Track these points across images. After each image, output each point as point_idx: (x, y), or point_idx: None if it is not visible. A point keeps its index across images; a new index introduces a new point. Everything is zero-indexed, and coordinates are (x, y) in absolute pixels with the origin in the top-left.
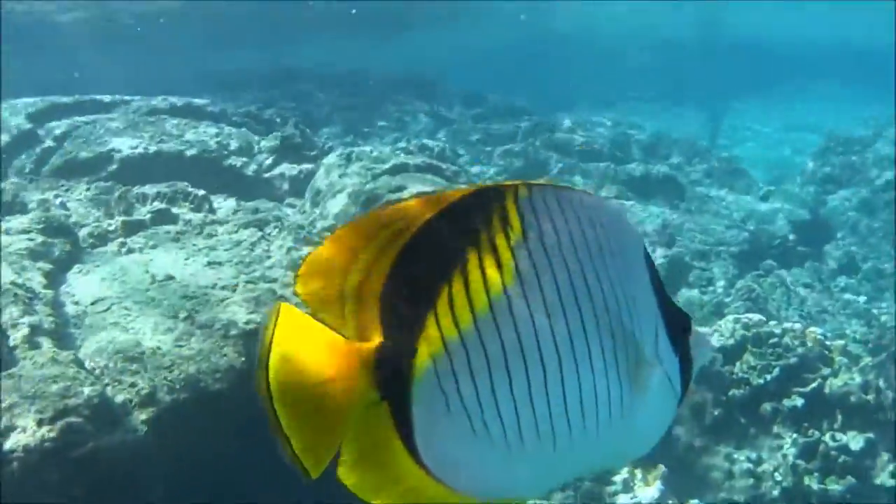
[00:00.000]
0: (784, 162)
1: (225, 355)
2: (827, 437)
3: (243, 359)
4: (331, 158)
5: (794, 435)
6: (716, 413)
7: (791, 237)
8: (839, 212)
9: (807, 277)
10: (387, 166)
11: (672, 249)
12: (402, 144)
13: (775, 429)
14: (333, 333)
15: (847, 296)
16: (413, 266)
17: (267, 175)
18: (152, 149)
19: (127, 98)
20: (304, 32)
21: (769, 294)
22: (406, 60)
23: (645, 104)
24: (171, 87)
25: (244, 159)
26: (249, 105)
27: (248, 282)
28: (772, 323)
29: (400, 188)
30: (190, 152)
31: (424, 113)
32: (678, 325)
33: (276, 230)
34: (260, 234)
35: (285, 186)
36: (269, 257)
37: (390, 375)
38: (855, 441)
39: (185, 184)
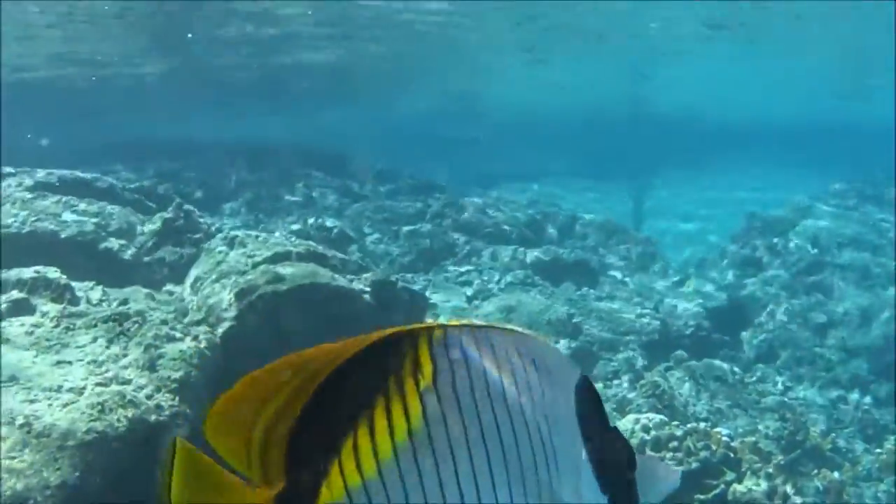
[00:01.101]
0: (706, 243)
1: (59, 469)
2: None
3: (78, 473)
4: (213, 243)
5: None
6: None
7: (705, 324)
8: (758, 296)
9: (718, 369)
10: (268, 254)
11: (577, 340)
12: (297, 227)
13: None
14: (233, 477)
15: (762, 387)
16: (321, 412)
17: (147, 259)
18: (25, 229)
19: (10, 170)
20: (220, 102)
21: (676, 389)
22: (324, 133)
23: (571, 179)
24: (83, 156)
25: (123, 242)
26: (150, 178)
27: (98, 384)
28: (674, 423)
29: (279, 279)
30: (65, 233)
31: (334, 189)
32: (616, 465)
33: (137, 325)
34: (120, 329)
35: (165, 272)
36: (125, 355)
37: None
38: None
39: (55, 269)
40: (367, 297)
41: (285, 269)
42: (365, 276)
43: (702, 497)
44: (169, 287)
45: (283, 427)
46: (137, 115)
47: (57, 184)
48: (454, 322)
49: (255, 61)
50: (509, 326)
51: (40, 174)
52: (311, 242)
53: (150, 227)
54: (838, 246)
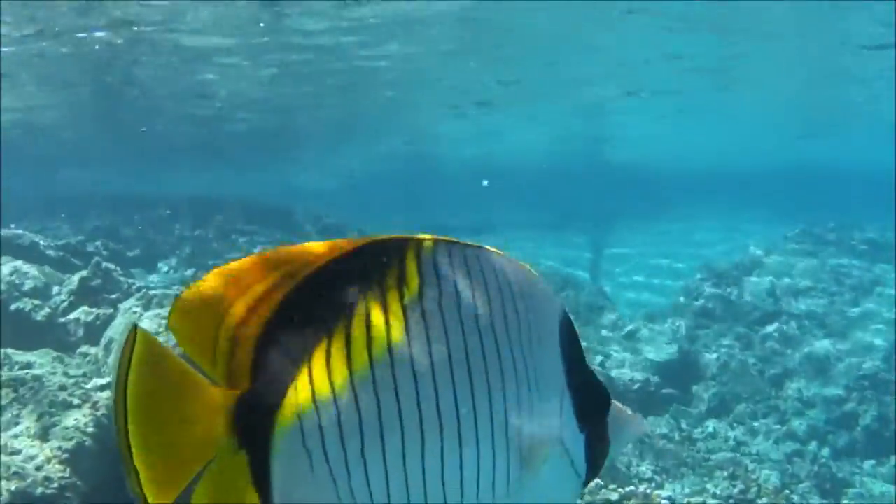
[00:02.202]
0: (660, 293)
1: None
2: None
3: None
4: (128, 303)
5: None
6: None
7: (654, 379)
8: (711, 348)
9: (666, 426)
10: None
11: None
12: None
13: None
14: (194, 372)
15: (712, 443)
16: (295, 314)
17: (61, 320)
18: None
19: None
20: (167, 157)
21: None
22: (271, 187)
23: (528, 230)
24: (20, 209)
25: (37, 302)
26: (86, 234)
27: None
28: (611, 487)
29: None
30: None
31: (275, 244)
32: (593, 403)
33: (32, 391)
34: (14, 395)
35: (80, 333)
36: (17, 423)
37: (252, 425)
38: None
39: None
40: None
41: None
42: None
43: None
44: (84, 349)
45: (254, 326)
46: (82, 170)
47: None
48: (444, 238)
49: (201, 125)
50: (496, 249)
51: None
52: None
53: (67, 287)
54: (794, 294)
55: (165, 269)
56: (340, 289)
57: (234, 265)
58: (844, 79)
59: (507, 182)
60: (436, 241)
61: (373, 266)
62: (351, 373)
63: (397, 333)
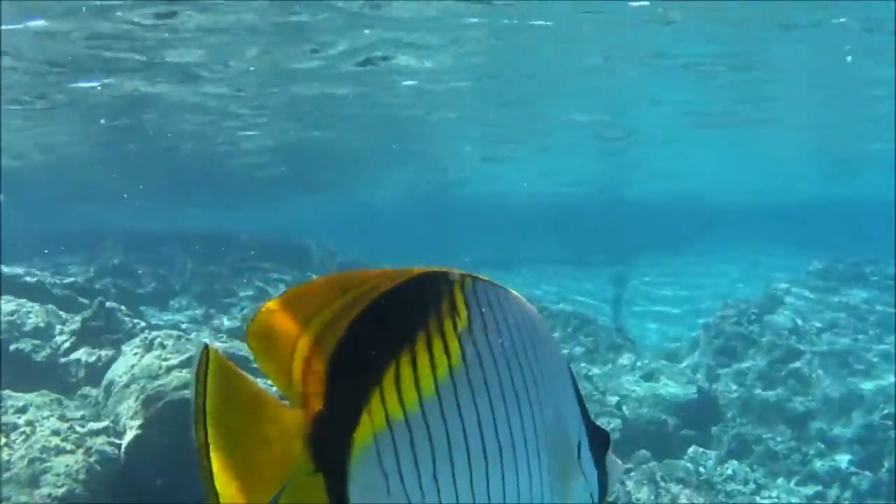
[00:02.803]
0: (681, 331)
1: None
2: None
3: None
4: (130, 345)
5: None
6: None
7: (671, 420)
8: (731, 388)
9: (682, 469)
10: (183, 357)
11: None
12: (231, 324)
13: None
14: (267, 392)
15: (731, 486)
16: (363, 338)
17: (62, 360)
18: None
19: None
20: (177, 194)
21: (634, 493)
22: (288, 224)
23: (548, 266)
24: (33, 244)
25: (37, 342)
26: (96, 272)
27: None
28: None
29: (188, 385)
30: None
31: (289, 283)
32: (599, 439)
33: (24, 437)
34: (4, 441)
35: (81, 374)
36: (8, 469)
37: (328, 448)
38: None
39: None
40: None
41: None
42: None
43: None
44: (85, 390)
45: (327, 348)
46: (94, 205)
47: None
48: (473, 275)
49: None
50: (513, 291)
51: None
52: (238, 343)
53: (69, 327)
54: (817, 331)
55: (177, 306)
56: (404, 315)
57: (304, 287)
58: (863, 114)
59: (524, 217)
60: (473, 278)
61: (430, 296)
62: (420, 397)
63: (456, 359)
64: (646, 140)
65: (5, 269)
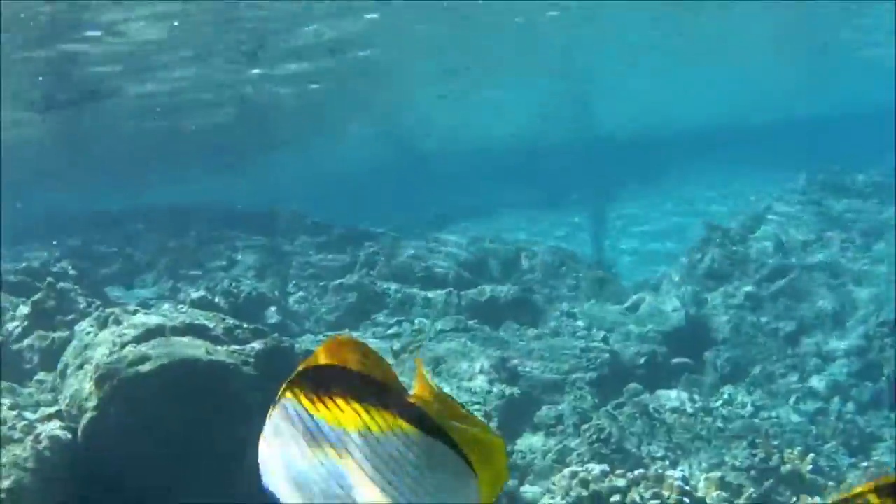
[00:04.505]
0: (665, 260)
1: None
2: None
3: None
4: (83, 324)
5: None
6: None
7: (661, 350)
8: (720, 311)
9: (677, 399)
10: (137, 332)
11: (516, 385)
12: (199, 294)
13: None
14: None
15: (728, 411)
16: None
17: (15, 347)
18: None
19: None
20: (134, 170)
21: (627, 428)
22: (255, 190)
23: (527, 210)
24: None
25: None
26: (57, 256)
27: None
28: (617, 473)
29: (143, 359)
30: None
31: (259, 248)
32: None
33: None
34: None
35: (35, 359)
36: None
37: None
38: None
39: None
40: (248, 369)
41: (153, 348)
42: (252, 344)
43: None
44: (40, 375)
45: None
46: (49, 191)
47: None
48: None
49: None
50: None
51: None
52: (199, 312)
53: (20, 312)
54: (802, 246)
55: (143, 283)
56: None
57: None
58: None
59: (497, 163)
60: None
61: None
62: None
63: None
64: (607, 73)
65: None
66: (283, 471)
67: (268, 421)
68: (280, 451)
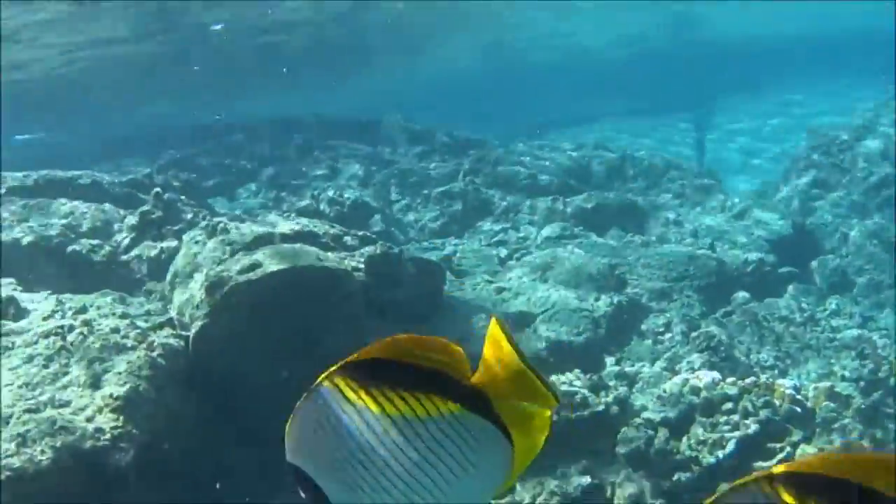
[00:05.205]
0: (770, 169)
1: None
2: None
3: None
4: (191, 234)
5: None
6: None
7: (769, 258)
8: (827, 220)
9: (785, 307)
10: (246, 240)
11: (622, 293)
12: (304, 203)
13: None
14: None
15: (837, 321)
16: None
17: (124, 258)
18: None
19: None
20: (245, 82)
21: (736, 336)
22: (356, 100)
23: (628, 119)
24: (96, 147)
25: (96, 242)
26: (160, 168)
27: (26, 410)
28: (728, 381)
29: (254, 266)
30: (27, 239)
31: (361, 157)
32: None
33: (82, 338)
34: (62, 344)
35: (144, 270)
36: (66, 373)
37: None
38: None
39: (10, 281)
40: (359, 275)
41: (263, 255)
42: (362, 251)
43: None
44: (150, 285)
45: None
46: (151, 105)
47: (33, 186)
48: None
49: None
50: None
51: (12, 179)
52: (305, 220)
53: (128, 222)
54: None
55: (246, 194)
56: None
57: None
58: None
59: (601, 72)
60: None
61: None
62: None
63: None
64: None
65: (60, 173)
66: (310, 452)
67: (301, 403)
68: (308, 435)
